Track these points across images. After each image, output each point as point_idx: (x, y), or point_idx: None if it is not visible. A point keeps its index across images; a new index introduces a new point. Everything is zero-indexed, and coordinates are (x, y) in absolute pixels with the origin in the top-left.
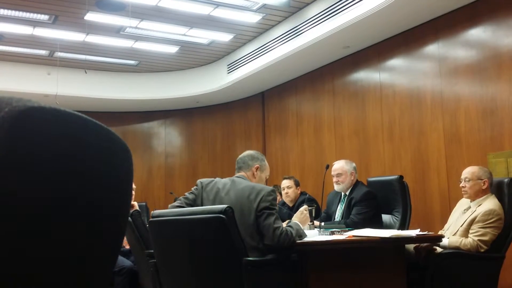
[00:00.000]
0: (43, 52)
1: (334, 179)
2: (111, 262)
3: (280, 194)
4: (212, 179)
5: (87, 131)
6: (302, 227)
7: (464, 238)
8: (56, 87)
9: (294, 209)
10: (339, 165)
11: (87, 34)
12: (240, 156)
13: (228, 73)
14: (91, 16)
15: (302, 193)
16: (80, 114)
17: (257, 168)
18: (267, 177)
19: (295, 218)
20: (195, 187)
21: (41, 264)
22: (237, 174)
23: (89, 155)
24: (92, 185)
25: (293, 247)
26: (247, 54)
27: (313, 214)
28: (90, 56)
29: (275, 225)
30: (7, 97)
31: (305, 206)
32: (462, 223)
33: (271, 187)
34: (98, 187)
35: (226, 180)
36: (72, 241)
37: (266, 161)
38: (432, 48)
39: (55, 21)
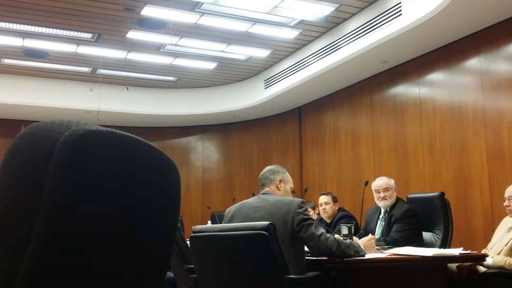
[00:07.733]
0: (86, 69)
1: (381, 195)
2: (162, 278)
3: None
4: (237, 204)
5: (142, 152)
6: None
7: (508, 257)
8: (98, 103)
9: (332, 225)
10: (384, 181)
11: (129, 51)
12: (261, 173)
13: (265, 88)
14: (133, 34)
15: (340, 209)
16: (134, 136)
17: (280, 181)
18: (292, 188)
19: (361, 241)
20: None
21: (98, 279)
22: (263, 191)
23: (143, 175)
24: (147, 204)
25: (343, 255)
26: (284, 70)
27: (352, 231)
28: (131, 73)
29: (318, 233)
30: (66, 120)
31: (374, 236)
32: (507, 242)
33: (299, 199)
34: (152, 205)
35: (253, 199)
36: (128, 258)
37: (287, 173)
38: (474, 62)
39: (98, 40)
